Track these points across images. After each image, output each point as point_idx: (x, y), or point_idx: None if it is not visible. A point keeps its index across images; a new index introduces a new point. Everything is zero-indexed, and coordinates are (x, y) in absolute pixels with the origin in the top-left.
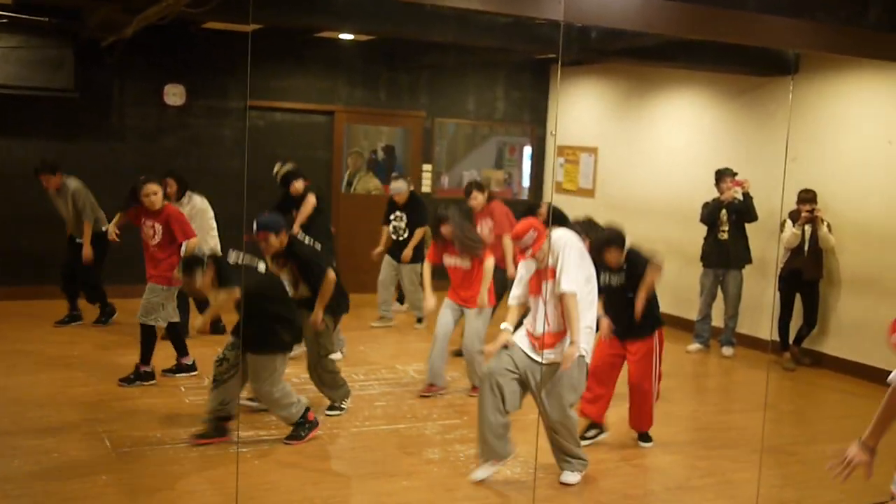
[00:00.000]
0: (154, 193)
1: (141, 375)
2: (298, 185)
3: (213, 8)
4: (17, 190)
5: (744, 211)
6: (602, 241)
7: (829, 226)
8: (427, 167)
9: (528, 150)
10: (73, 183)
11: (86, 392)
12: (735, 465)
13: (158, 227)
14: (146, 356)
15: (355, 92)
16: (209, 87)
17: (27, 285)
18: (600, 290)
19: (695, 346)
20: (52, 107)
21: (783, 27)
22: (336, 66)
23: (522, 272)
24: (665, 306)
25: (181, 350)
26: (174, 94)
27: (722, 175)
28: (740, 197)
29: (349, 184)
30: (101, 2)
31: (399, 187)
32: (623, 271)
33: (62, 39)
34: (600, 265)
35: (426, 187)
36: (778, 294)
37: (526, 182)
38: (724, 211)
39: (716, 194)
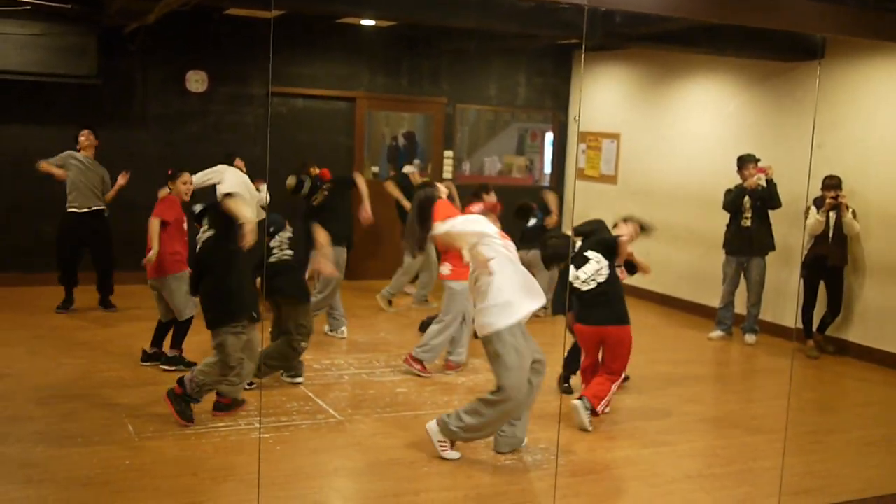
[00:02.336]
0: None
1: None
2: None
3: None
4: (39, 177)
5: (767, 197)
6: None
7: (853, 212)
8: (448, 153)
9: (549, 137)
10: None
11: (108, 377)
12: (758, 454)
13: None
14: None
15: (377, 78)
16: (231, 73)
17: (52, 271)
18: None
19: (717, 333)
20: (75, 94)
21: (809, 11)
22: (358, 53)
23: None
24: (687, 293)
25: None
26: (196, 81)
27: (745, 161)
28: (764, 183)
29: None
30: None
31: (409, 169)
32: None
33: (85, 26)
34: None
35: (447, 174)
36: (802, 281)
37: (548, 168)
38: (747, 197)
39: (739, 181)
